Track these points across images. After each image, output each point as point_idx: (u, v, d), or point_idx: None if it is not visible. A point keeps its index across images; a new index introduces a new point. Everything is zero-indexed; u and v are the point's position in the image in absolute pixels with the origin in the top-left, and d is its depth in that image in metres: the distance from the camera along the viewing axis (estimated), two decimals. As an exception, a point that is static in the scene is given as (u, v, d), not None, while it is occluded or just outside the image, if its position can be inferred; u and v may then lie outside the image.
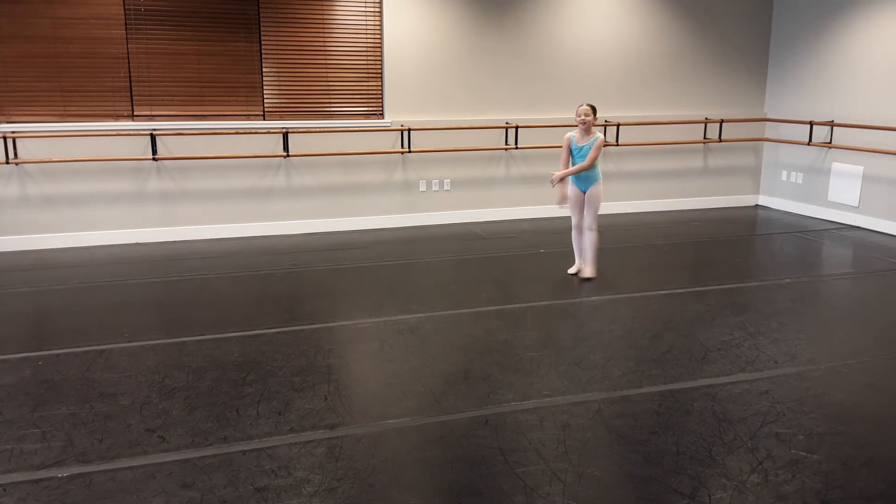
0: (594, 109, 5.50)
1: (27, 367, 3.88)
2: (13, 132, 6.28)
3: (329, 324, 4.56)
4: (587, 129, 5.49)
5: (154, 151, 6.61)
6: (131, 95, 6.61)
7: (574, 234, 5.70)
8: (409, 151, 7.33)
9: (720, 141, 8.40)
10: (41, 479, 2.81)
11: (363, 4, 7.05)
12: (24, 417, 3.32)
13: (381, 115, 7.32)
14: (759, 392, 3.59)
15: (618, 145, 8.07)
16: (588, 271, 5.61)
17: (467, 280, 5.57)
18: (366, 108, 7.28)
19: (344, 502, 2.67)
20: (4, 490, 2.74)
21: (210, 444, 3.09)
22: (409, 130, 7.29)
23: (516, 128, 7.60)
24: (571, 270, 5.75)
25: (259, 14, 6.79)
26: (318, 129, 7.06)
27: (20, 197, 6.44)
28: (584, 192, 5.60)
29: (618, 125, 7.96)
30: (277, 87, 6.99)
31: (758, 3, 8.36)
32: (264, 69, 6.90)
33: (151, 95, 6.66)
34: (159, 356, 4.03)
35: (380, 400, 3.52)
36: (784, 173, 8.47)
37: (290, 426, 3.24)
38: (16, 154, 6.35)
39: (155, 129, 6.61)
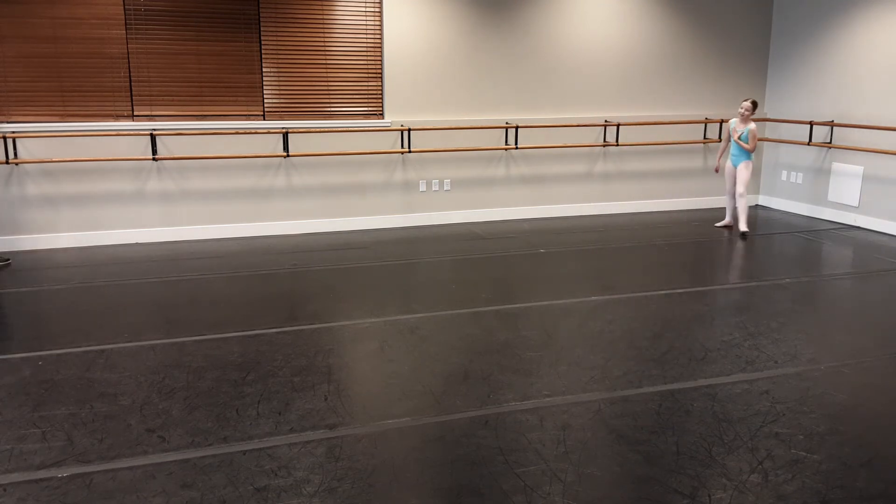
0: (754, 104, 7.02)
1: (27, 367, 3.88)
2: (13, 132, 6.29)
3: (329, 324, 4.56)
4: (744, 119, 7.03)
5: (154, 151, 6.61)
6: (131, 95, 6.61)
7: (727, 197, 7.41)
8: (409, 151, 7.34)
9: (720, 141, 8.39)
10: (41, 479, 2.81)
11: (363, 4, 7.06)
12: (24, 417, 3.32)
13: (381, 115, 7.32)
14: (759, 392, 3.59)
15: (618, 145, 8.07)
16: (742, 227, 7.11)
17: (467, 280, 5.57)
18: (366, 108, 7.28)
19: (344, 502, 2.67)
20: (4, 490, 2.74)
21: (210, 444, 3.09)
22: (409, 130, 7.29)
23: (516, 128, 7.60)
24: (719, 224, 7.53)
25: (259, 14, 6.79)
26: (318, 129, 7.06)
27: (20, 197, 6.44)
28: (735, 167, 7.20)
29: (618, 125, 7.96)
30: (277, 87, 6.99)
31: (758, 4, 8.36)
32: (264, 69, 6.91)
33: (151, 95, 6.66)
34: (159, 356, 4.04)
35: (380, 400, 3.52)
36: (784, 173, 8.48)
37: (290, 426, 3.24)
38: (16, 154, 6.35)
39: (155, 129, 6.62)
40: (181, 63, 6.68)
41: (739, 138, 7.04)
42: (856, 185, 7.54)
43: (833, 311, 4.92)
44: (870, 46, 7.33)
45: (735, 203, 7.30)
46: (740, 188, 7.13)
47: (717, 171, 7.49)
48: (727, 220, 7.44)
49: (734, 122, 7.14)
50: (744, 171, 7.10)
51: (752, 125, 7.01)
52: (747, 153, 7.10)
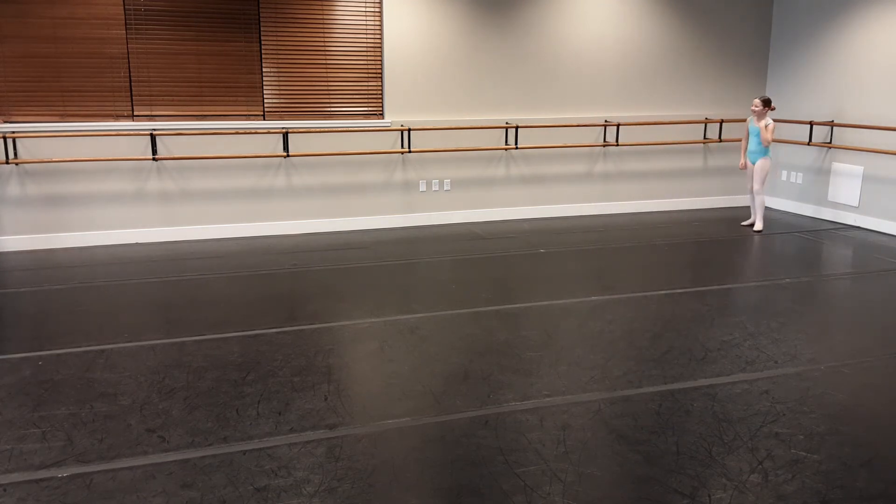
0: (763, 101, 7.03)
1: (27, 367, 3.88)
2: (13, 132, 6.29)
3: (329, 324, 4.56)
4: (759, 115, 7.08)
5: (154, 151, 6.61)
6: (131, 95, 6.61)
7: (749, 195, 7.47)
8: (409, 151, 7.34)
9: (720, 141, 8.40)
10: (41, 479, 2.81)
11: (363, 4, 7.06)
12: (24, 417, 3.32)
13: (381, 115, 7.32)
14: (759, 392, 3.59)
15: (618, 145, 8.07)
16: (758, 225, 7.32)
17: (467, 280, 5.57)
18: (366, 108, 7.28)
19: (344, 502, 2.67)
20: (4, 490, 2.74)
21: (210, 444, 3.09)
22: (409, 130, 7.29)
23: (516, 128, 7.60)
24: (744, 223, 7.59)
25: (259, 14, 6.79)
26: (318, 129, 7.07)
27: (20, 197, 6.44)
28: (754, 164, 7.25)
29: (618, 125, 7.96)
30: (277, 87, 6.99)
31: (758, 3, 8.36)
32: (264, 69, 6.91)
33: (151, 95, 6.66)
34: (159, 356, 4.04)
35: (380, 400, 3.52)
36: (784, 173, 8.48)
37: (290, 426, 3.24)
38: (16, 154, 6.35)
39: (155, 129, 6.62)
40: (181, 63, 6.68)
41: (764, 126, 7.08)
42: (856, 185, 7.54)
43: (833, 311, 4.92)
44: (870, 46, 7.33)
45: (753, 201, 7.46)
46: (756, 185, 7.24)
47: (743, 167, 7.44)
48: (752, 218, 7.53)
49: (751, 120, 7.22)
50: (761, 168, 7.18)
51: (769, 120, 7.05)
52: (764, 150, 7.14)
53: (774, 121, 8.46)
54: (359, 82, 7.20)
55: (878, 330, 4.50)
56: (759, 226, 7.33)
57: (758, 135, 7.14)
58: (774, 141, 8.50)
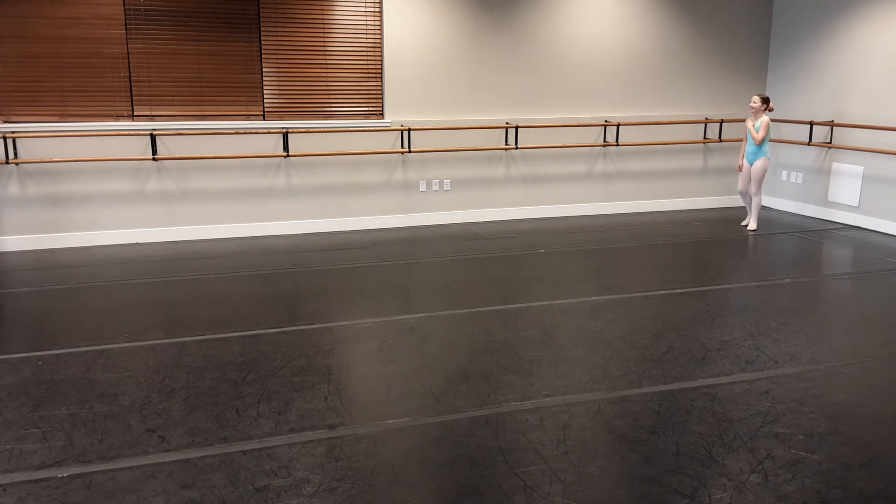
0: (763, 99, 7.09)
1: (27, 367, 3.88)
2: (13, 132, 6.29)
3: (329, 324, 4.56)
4: (757, 112, 7.13)
5: (154, 151, 6.61)
6: (131, 95, 6.61)
7: (742, 197, 7.59)
8: (409, 151, 7.34)
9: (720, 141, 8.40)
10: (41, 479, 2.81)
11: (363, 4, 7.06)
12: (24, 417, 3.32)
13: (381, 115, 7.32)
14: (759, 392, 3.59)
15: (618, 145, 8.07)
16: (752, 225, 7.38)
17: (467, 280, 5.57)
18: (366, 108, 7.28)
19: (344, 502, 2.67)
20: (4, 490, 2.74)
21: (210, 444, 3.09)
22: (409, 130, 7.29)
23: (516, 128, 7.60)
24: (743, 223, 7.60)
25: (259, 14, 6.79)
26: (318, 129, 7.07)
27: (20, 197, 6.44)
28: (751, 165, 7.26)
29: (618, 125, 7.96)
30: (277, 87, 6.99)
31: (758, 3, 8.36)
32: (264, 69, 6.91)
33: (151, 95, 6.66)
34: (159, 356, 4.04)
35: (380, 400, 3.52)
36: (784, 173, 8.48)
37: (290, 426, 3.24)
38: (16, 154, 6.35)
39: (155, 129, 6.62)
40: (181, 63, 6.68)
41: (754, 127, 7.15)
42: (856, 185, 7.54)
43: (833, 311, 4.92)
44: (869, 46, 7.33)
45: (750, 201, 7.49)
46: (753, 187, 7.25)
47: (739, 168, 7.47)
48: (748, 218, 7.57)
49: (749, 119, 7.24)
50: (758, 169, 7.19)
51: (765, 118, 7.07)
52: (763, 150, 7.15)
53: (774, 120, 8.49)
54: (359, 82, 7.20)
55: (878, 330, 4.50)
56: (752, 225, 7.36)
57: (756, 128, 7.16)
58: (773, 140, 8.51)
